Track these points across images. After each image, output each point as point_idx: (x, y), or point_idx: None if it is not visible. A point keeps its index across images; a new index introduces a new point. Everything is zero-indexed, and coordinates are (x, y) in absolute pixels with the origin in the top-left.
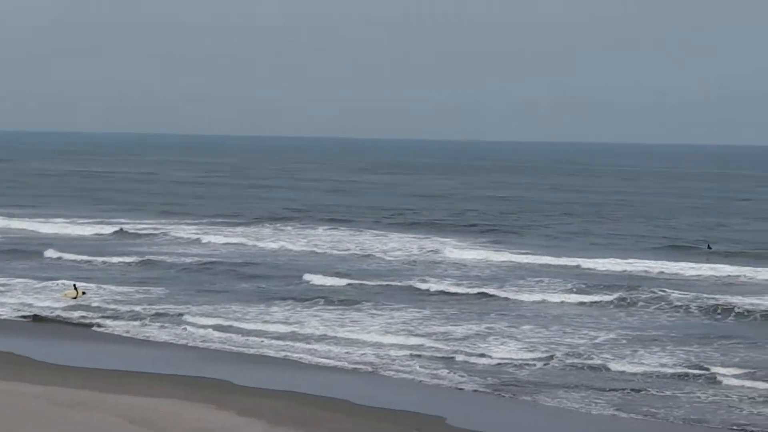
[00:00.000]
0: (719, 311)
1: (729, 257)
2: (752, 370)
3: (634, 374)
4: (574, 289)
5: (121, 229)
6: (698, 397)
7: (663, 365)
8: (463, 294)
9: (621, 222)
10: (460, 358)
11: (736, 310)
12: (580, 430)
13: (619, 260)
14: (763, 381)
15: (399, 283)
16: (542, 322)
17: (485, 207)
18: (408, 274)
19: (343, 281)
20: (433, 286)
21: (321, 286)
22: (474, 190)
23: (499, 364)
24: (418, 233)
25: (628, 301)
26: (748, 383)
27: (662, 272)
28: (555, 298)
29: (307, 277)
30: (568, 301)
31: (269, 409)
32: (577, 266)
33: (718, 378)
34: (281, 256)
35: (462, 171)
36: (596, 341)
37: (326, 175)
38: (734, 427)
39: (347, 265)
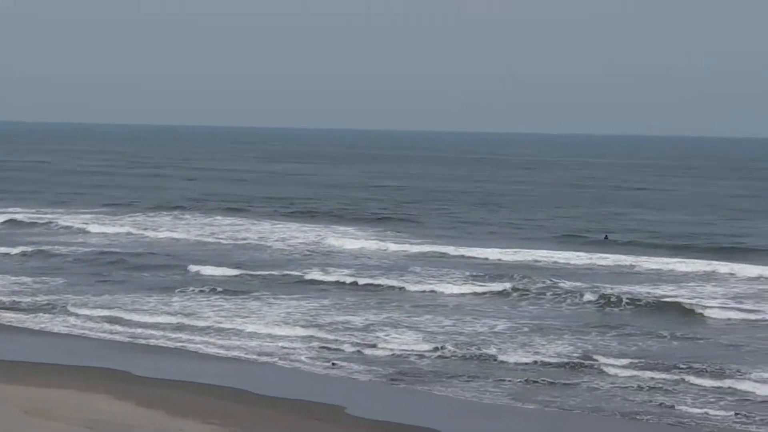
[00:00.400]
0: (613, 300)
1: (625, 246)
2: (643, 360)
3: (530, 364)
4: (472, 279)
5: (13, 219)
6: (593, 386)
7: (558, 354)
8: (362, 284)
9: (519, 212)
10: (358, 348)
11: (628, 299)
12: (476, 418)
13: (517, 249)
14: (656, 370)
15: (297, 273)
16: (441, 311)
17: (384, 196)
18: (307, 264)
19: (238, 271)
20: (332, 276)
21: (216, 276)
22: (374, 179)
23: (397, 354)
24: (317, 223)
25: (523, 290)
26: (639, 372)
27: (556, 262)
28: (453, 288)
29: (202, 267)
30: (466, 291)
31: (168, 400)
32: (475, 256)
33: (612, 367)
34: (178, 246)
35: (362, 160)
36: (493, 331)
37: (224, 164)
38: (629, 415)
39: (244, 254)
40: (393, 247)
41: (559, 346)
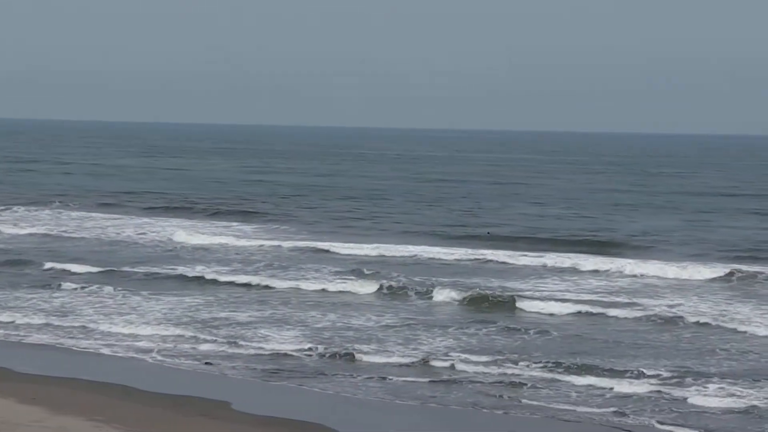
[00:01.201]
0: (476, 297)
1: (506, 242)
2: (502, 356)
3: (409, 359)
4: (348, 275)
5: None
6: (461, 382)
7: (437, 349)
8: (241, 283)
9: (397, 207)
10: (242, 344)
11: (493, 295)
12: (359, 413)
13: (396, 246)
14: (509, 365)
15: (174, 269)
16: (320, 308)
17: (264, 191)
18: (185, 260)
19: (112, 267)
20: (210, 272)
21: (92, 272)
22: (250, 175)
23: (277, 350)
24: (193, 219)
25: (398, 288)
26: (493, 369)
27: (433, 258)
28: (330, 285)
29: (69, 265)
30: (344, 288)
31: (50, 397)
32: (354, 253)
33: (473, 364)
34: (49, 242)
35: (235, 155)
36: (371, 327)
37: (94, 159)
38: (505, 409)
39: (121, 250)
40: (268, 243)
41: (437, 341)
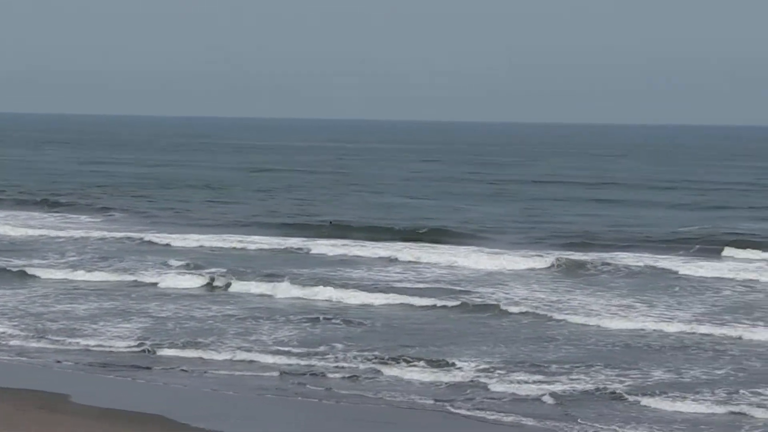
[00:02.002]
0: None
1: (348, 232)
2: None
3: (245, 353)
4: (185, 270)
5: None
6: (297, 374)
7: (277, 340)
8: (81, 275)
9: (236, 199)
10: (79, 337)
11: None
12: (198, 404)
13: (230, 236)
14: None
15: (8, 263)
16: (158, 301)
17: (106, 181)
18: (22, 253)
19: None
20: (47, 266)
21: None
22: (97, 165)
23: (112, 345)
24: (37, 211)
25: (241, 279)
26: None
27: (262, 249)
28: (165, 278)
29: None
30: (187, 284)
31: None
32: (188, 245)
33: (310, 355)
34: None
35: (90, 145)
36: (206, 320)
37: None
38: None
39: None
40: (110, 234)
41: (278, 334)
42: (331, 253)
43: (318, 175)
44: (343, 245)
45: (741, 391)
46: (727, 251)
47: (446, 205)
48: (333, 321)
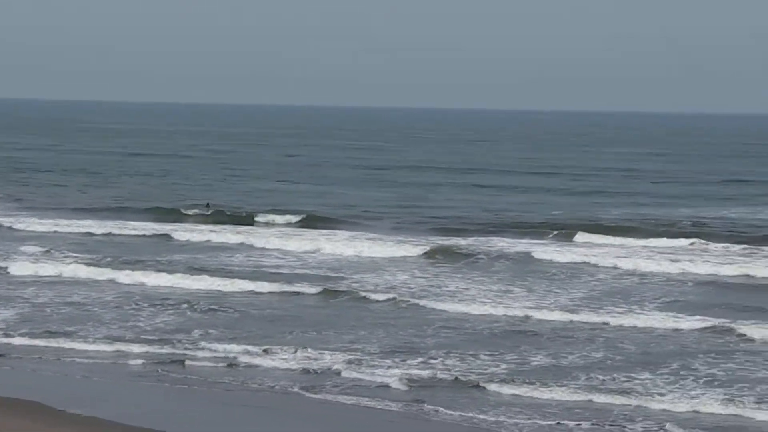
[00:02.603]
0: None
1: (227, 216)
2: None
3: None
4: (82, 258)
5: None
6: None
7: (152, 329)
8: None
9: (109, 183)
10: None
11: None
12: (73, 389)
13: (101, 222)
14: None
15: None
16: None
17: None
18: None
19: None
20: None
21: None
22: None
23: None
24: None
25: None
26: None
27: (131, 233)
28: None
29: None
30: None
31: None
32: (48, 231)
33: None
34: None
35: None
36: (72, 309)
37: None
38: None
39: None
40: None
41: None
42: (200, 239)
43: (195, 160)
44: (214, 231)
45: (615, 375)
46: (580, 236)
47: (321, 191)
48: (203, 308)
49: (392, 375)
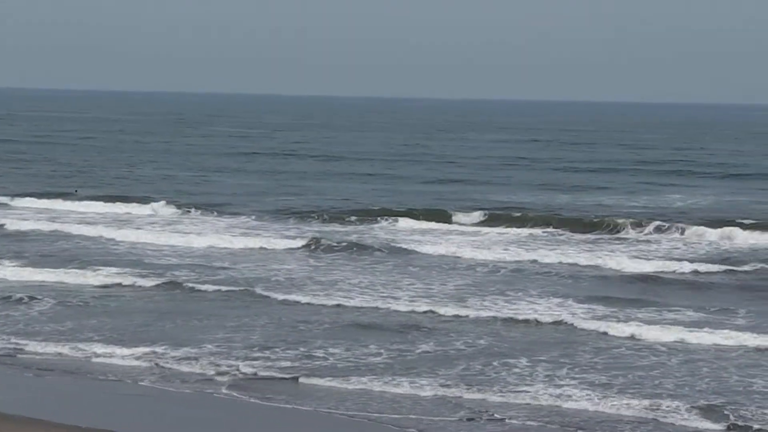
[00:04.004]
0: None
1: (93, 200)
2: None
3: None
4: None
5: None
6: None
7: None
8: None
9: None
10: None
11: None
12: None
13: None
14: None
15: None
16: None
17: None
18: None
19: None
20: None
21: None
22: None
23: None
24: None
25: None
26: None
27: None
28: None
29: None
30: None
31: None
32: None
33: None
34: None
35: None
36: None
37: None
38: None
39: None
40: None
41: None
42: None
43: (66, 147)
44: (83, 221)
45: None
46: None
47: (197, 178)
48: (67, 303)
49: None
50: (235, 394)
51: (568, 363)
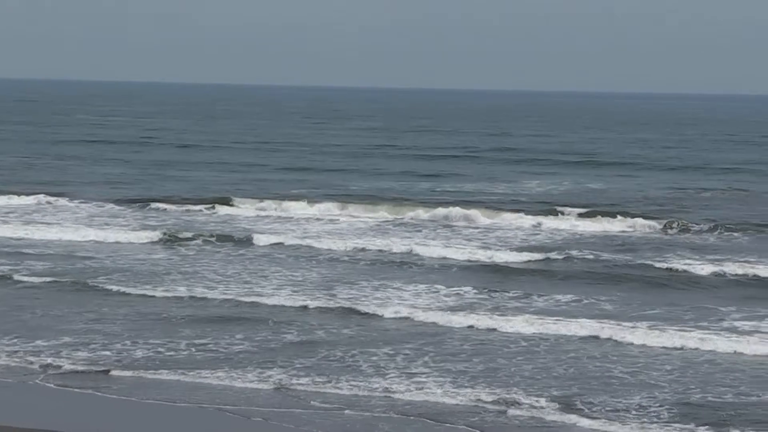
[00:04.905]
0: None
1: None
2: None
3: None
4: None
5: None
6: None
7: None
8: None
9: None
10: None
11: None
12: None
13: None
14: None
15: None
16: None
17: None
18: None
19: None
20: None
21: None
22: None
23: None
24: None
25: None
26: None
27: None
28: None
29: None
30: None
31: None
32: None
33: None
34: None
35: None
36: None
37: None
38: None
39: None
40: None
41: None
42: None
43: None
44: None
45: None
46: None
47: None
48: None
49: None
50: (53, 385)
51: (430, 352)
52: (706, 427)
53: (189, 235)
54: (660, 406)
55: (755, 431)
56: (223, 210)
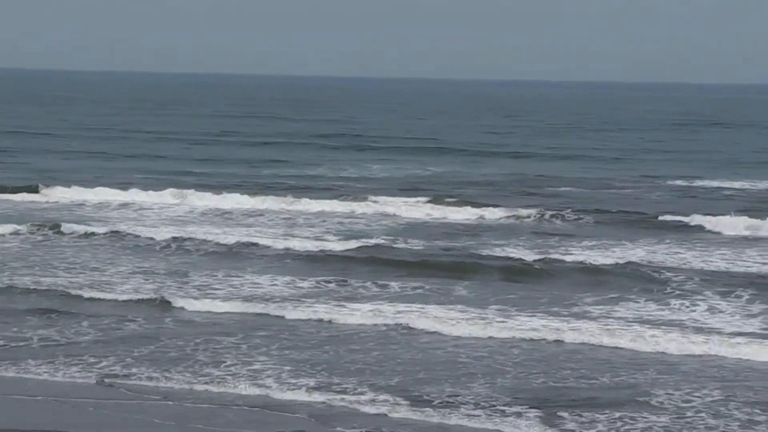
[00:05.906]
0: None
1: None
2: None
3: None
4: None
5: None
6: None
7: None
8: None
9: None
10: None
11: None
12: None
13: None
14: None
15: None
16: None
17: None
18: None
19: None
20: None
21: None
22: None
23: None
24: None
25: None
26: None
27: None
28: None
29: None
30: None
31: None
32: None
33: None
34: None
35: None
36: None
37: None
38: None
39: None
40: None
41: None
42: None
43: None
44: None
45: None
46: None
47: None
48: None
49: None
50: None
51: (270, 345)
52: (536, 410)
53: None
54: (497, 393)
55: (587, 413)
56: (30, 197)
